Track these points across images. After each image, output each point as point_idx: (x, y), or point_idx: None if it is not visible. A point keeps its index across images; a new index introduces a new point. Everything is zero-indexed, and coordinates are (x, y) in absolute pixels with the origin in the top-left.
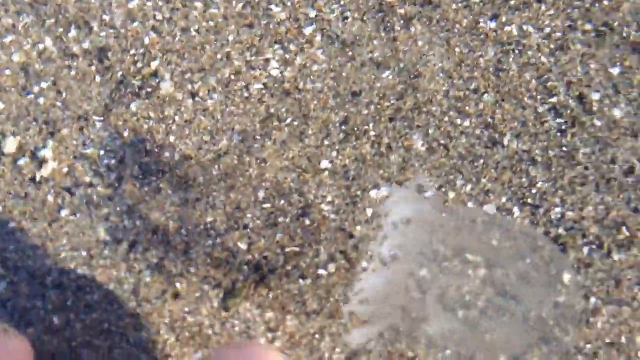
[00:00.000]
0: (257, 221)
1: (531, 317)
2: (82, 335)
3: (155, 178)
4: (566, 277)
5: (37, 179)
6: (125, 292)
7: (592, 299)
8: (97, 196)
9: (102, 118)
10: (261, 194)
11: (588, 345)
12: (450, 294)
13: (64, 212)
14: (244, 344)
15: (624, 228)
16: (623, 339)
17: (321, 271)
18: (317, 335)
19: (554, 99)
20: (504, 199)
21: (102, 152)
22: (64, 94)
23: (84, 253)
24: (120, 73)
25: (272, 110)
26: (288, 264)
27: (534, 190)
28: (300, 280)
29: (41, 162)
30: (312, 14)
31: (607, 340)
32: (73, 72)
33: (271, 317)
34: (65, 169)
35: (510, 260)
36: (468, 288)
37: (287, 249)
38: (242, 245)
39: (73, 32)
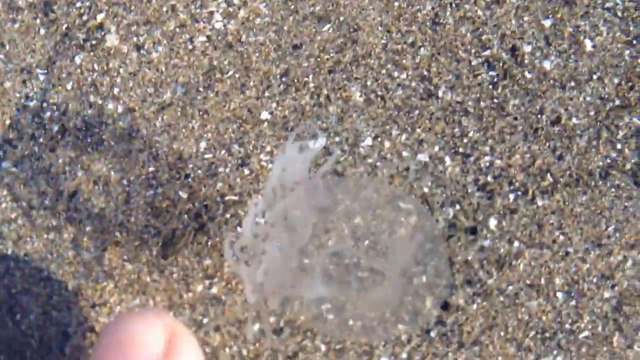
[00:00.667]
0: (199, 171)
1: (457, 260)
2: (21, 282)
3: (98, 130)
4: (492, 222)
5: None
6: (65, 241)
7: (516, 243)
8: (39, 148)
9: (45, 71)
10: (203, 145)
11: (510, 287)
12: (383, 240)
13: (5, 164)
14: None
15: (548, 175)
16: (542, 281)
17: (259, 220)
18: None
19: (487, 52)
20: (436, 148)
21: (44, 105)
22: (7, 47)
23: (24, 204)
24: (65, 26)
25: (215, 62)
26: (227, 212)
27: (465, 140)
28: (239, 228)
29: None
30: None
31: (528, 282)
32: (17, 25)
33: (209, 264)
34: (8, 121)
35: (439, 205)
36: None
37: (226, 198)
38: (183, 195)
39: None
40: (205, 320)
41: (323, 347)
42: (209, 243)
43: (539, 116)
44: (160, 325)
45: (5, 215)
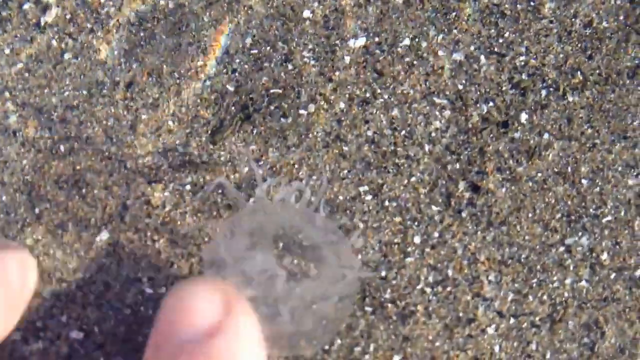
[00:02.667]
0: (245, 66)
1: (489, 150)
2: (84, 160)
3: (150, 24)
4: (523, 117)
5: (42, 24)
6: (123, 127)
7: (545, 135)
8: (96, 41)
9: None
10: (248, 41)
11: (538, 174)
12: (419, 130)
13: (66, 56)
14: None
15: (579, 73)
16: (569, 169)
17: (302, 111)
18: (296, 166)
19: None
20: (472, 48)
21: (102, 1)
22: None
23: (84, 92)
24: None
25: None
26: (272, 104)
27: (501, 40)
28: (282, 119)
29: (45, 8)
30: None
31: (556, 170)
32: None
33: (254, 149)
34: (68, 16)
35: (474, 102)
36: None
37: (271, 91)
38: (230, 87)
39: None
40: (251, 200)
41: (361, 225)
42: (254, 131)
43: (573, 20)
44: (218, 292)
45: (68, 101)
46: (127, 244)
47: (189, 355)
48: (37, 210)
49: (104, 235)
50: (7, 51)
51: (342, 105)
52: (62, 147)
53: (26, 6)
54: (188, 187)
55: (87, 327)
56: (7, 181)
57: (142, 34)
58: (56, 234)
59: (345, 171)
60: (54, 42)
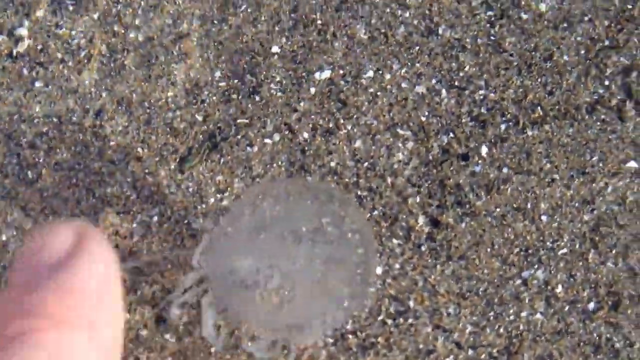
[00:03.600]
0: (213, 97)
1: (449, 183)
2: (52, 187)
3: (121, 56)
4: (484, 150)
5: (14, 54)
6: (91, 154)
7: (505, 169)
8: (67, 71)
9: (74, 2)
10: (217, 74)
11: (497, 209)
12: (382, 162)
13: (37, 84)
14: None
15: (539, 108)
16: (529, 205)
17: (267, 140)
18: (259, 197)
19: None
20: (434, 81)
21: (73, 32)
22: None
23: (55, 119)
24: None
25: None
26: (239, 134)
27: (461, 74)
28: (249, 148)
29: (17, 40)
30: None
31: (515, 205)
32: None
33: (221, 180)
34: (40, 47)
35: (435, 133)
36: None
37: (238, 121)
38: (199, 117)
39: None
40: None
41: (323, 258)
42: (222, 161)
43: (533, 53)
44: (68, 229)
45: (38, 128)
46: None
47: (42, 288)
48: (3, 237)
49: None
50: None
51: (305, 135)
52: (29, 173)
53: None
54: (155, 218)
55: None
56: None
57: (112, 65)
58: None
59: (309, 202)
60: (25, 71)
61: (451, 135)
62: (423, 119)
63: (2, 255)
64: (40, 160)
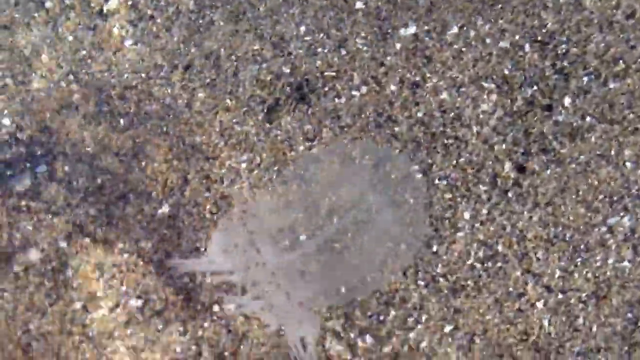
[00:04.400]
0: (300, 51)
1: (534, 132)
2: (143, 134)
3: (209, 12)
4: (567, 101)
5: (104, 12)
6: (179, 106)
7: (588, 119)
8: (156, 28)
9: None
10: (302, 29)
11: (581, 156)
12: (468, 113)
13: (127, 42)
14: None
15: (620, 62)
16: (612, 152)
17: (354, 92)
18: (349, 145)
19: None
20: (517, 37)
21: None
22: None
23: (143, 75)
24: None
25: None
26: (326, 86)
27: (544, 30)
28: (336, 100)
29: None
30: None
31: (598, 152)
32: None
33: (309, 129)
34: (130, 2)
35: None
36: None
37: (325, 74)
38: (286, 70)
39: None
40: (307, 175)
41: (412, 201)
42: (309, 111)
43: (614, 11)
44: None
45: (128, 82)
46: (187, 217)
47: None
48: (98, 181)
49: (165, 209)
50: (70, 38)
51: (392, 87)
52: (121, 121)
53: None
54: (244, 165)
55: (145, 295)
56: (69, 152)
57: (200, 21)
58: (118, 205)
59: (397, 150)
60: (115, 30)
61: (535, 87)
62: (507, 72)
63: (98, 198)
64: (131, 110)
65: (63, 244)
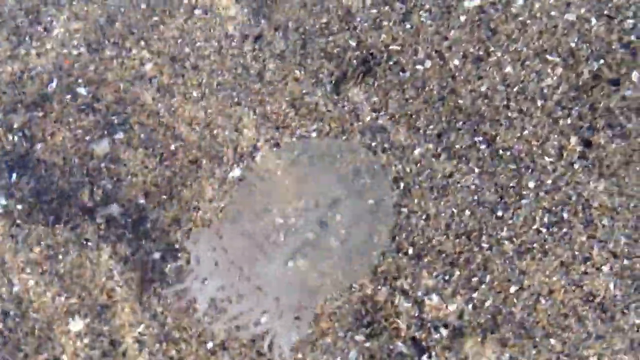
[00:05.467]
0: (365, 24)
1: (600, 107)
2: (215, 105)
3: None
4: (635, 75)
5: None
6: (251, 75)
7: None
8: (226, 0)
9: None
10: (368, 2)
11: None
12: (532, 86)
13: (197, 12)
14: None
15: None
16: None
17: (418, 66)
18: (413, 116)
19: None
20: (583, 10)
21: None
22: None
23: (215, 44)
24: None
25: None
26: (391, 59)
27: (610, 5)
28: (401, 73)
29: None
30: None
31: None
32: None
33: (376, 101)
34: None
35: (585, 59)
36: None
37: (390, 47)
38: (352, 43)
39: None
40: (373, 144)
41: (477, 170)
42: (375, 84)
43: None
44: None
45: (200, 52)
46: (258, 181)
47: None
48: (172, 147)
49: (236, 172)
50: (143, 6)
51: (456, 62)
52: (194, 93)
53: None
54: (314, 134)
55: (222, 251)
56: (145, 122)
57: None
58: (191, 168)
59: (461, 122)
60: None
61: (601, 61)
62: (573, 45)
63: (173, 162)
64: (204, 81)
65: (142, 201)
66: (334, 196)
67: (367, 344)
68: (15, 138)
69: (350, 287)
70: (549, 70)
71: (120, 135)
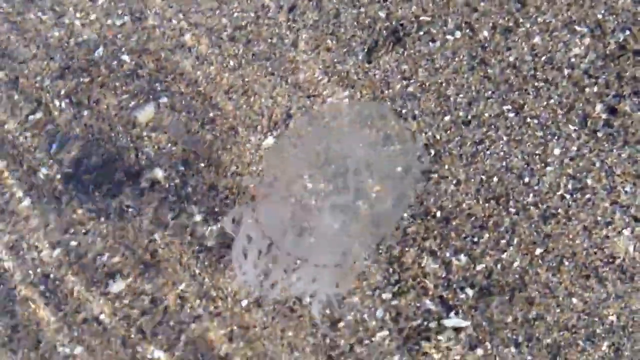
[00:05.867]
0: None
1: (626, 76)
2: (252, 74)
3: None
4: None
5: None
6: (285, 44)
7: None
8: None
9: None
10: None
11: None
12: (559, 56)
13: None
14: None
15: None
16: None
17: (448, 37)
18: (443, 84)
19: None
20: None
21: None
22: None
23: (252, 14)
24: None
25: None
26: (421, 30)
27: None
28: (431, 43)
29: None
30: None
31: None
32: None
33: (406, 69)
34: None
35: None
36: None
37: (420, 18)
38: (382, 14)
39: None
40: (404, 111)
41: (505, 137)
42: (405, 53)
43: None
44: None
45: (237, 22)
46: (291, 148)
47: None
48: (210, 115)
49: (270, 140)
50: None
51: (485, 33)
52: (231, 62)
53: None
54: (346, 100)
55: (257, 216)
56: (184, 90)
57: None
58: (229, 134)
59: (490, 92)
60: None
61: (628, 32)
62: (600, 16)
63: (212, 128)
64: (240, 51)
65: (181, 168)
66: (364, 162)
67: (394, 302)
68: (63, 104)
69: (378, 249)
70: (577, 41)
71: (163, 100)
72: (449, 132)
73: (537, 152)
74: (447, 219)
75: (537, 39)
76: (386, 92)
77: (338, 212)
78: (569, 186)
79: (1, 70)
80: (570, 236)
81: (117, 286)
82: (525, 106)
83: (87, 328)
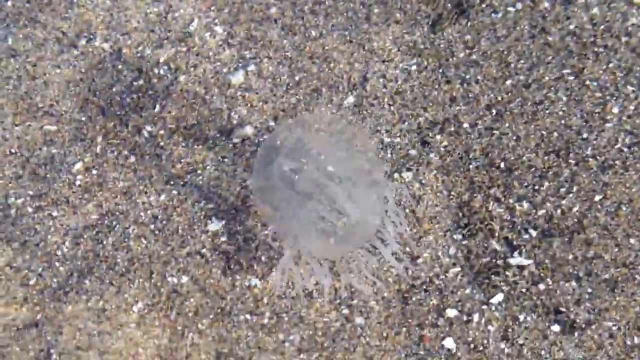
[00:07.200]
0: None
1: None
2: (331, 43)
3: None
4: None
5: None
6: (359, 18)
7: None
8: None
9: None
10: None
11: None
12: (617, 25)
13: None
14: None
15: None
16: None
17: (510, 8)
18: (504, 52)
19: None
20: None
21: None
22: None
23: (287, 3)
24: None
25: None
26: (483, 2)
27: None
28: (493, 15)
29: None
30: None
31: None
32: None
33: (469, 39)
34: None
35: None
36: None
37: None
38: None
39: None
40: (467, 76)
41: (564, 98)
42: (469, 24)
43: None
44: None
45: (270, 17)
46: (369, 107)
47: None
48: (296, 78)
49: (350, 99)
50: None
51: (546, 4)
52: (313, 32)
53: None
54: (414, 67)
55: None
56: (272, 56)
57: None
58: (313, 96)
59: (550, 57)
60: None
61: None
62: None
63: (297, 90)
64: (320, 23)
65: (272, 123)
66: (433, 119)
67: (465, 242)
68: (161, 71)
69: (448, 195)
70: (634, 11)
71: (252, 68)
72: (510, 94)
73: (596, 110)
74: (510, 170)
75: (595, 10)
76: (450, 60)
77: (412, 163)
78: (627, 140)
79: (106, 42)
80: (627, 185)
81: (214, 226)
82: (585, 70)
83: (191, 260)
